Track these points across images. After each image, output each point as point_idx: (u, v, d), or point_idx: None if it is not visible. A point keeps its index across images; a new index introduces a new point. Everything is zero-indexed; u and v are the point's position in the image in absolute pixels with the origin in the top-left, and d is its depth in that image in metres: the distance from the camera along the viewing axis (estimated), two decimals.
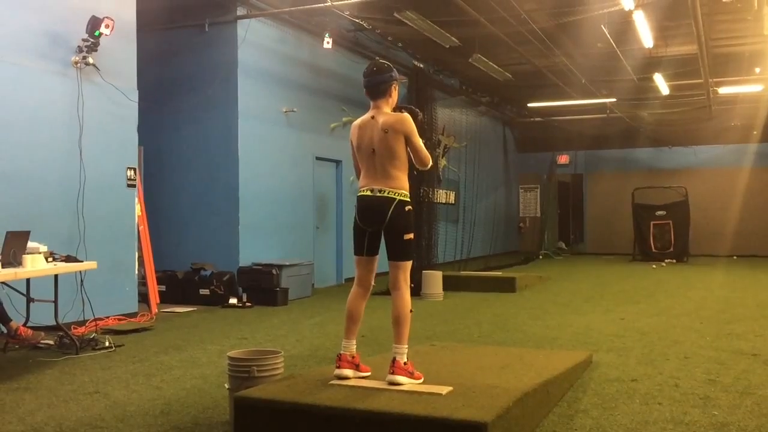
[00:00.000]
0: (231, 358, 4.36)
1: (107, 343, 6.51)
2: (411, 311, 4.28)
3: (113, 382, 5.26)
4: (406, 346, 4.20)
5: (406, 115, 4.28)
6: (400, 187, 4.22)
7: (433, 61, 14.67)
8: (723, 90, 15.27)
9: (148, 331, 7.54)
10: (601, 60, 13.67)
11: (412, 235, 4.25)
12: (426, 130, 13.01)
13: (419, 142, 4.27)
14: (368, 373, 4.30)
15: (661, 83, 14.59)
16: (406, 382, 4.08)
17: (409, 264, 4.30)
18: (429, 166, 4.37)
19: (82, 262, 6.75)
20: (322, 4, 9.83)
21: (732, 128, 18.90)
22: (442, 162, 16.83)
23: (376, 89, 4.32)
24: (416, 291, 10.52)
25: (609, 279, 13.51)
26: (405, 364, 4.15)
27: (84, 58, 7.62)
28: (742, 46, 13.23)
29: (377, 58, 4.57)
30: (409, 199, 4.27)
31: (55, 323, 6.35)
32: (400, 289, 4.25)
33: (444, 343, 6.42)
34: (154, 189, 10.09)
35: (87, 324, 7.25)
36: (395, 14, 10.14)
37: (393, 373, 4.10)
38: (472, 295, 10.69)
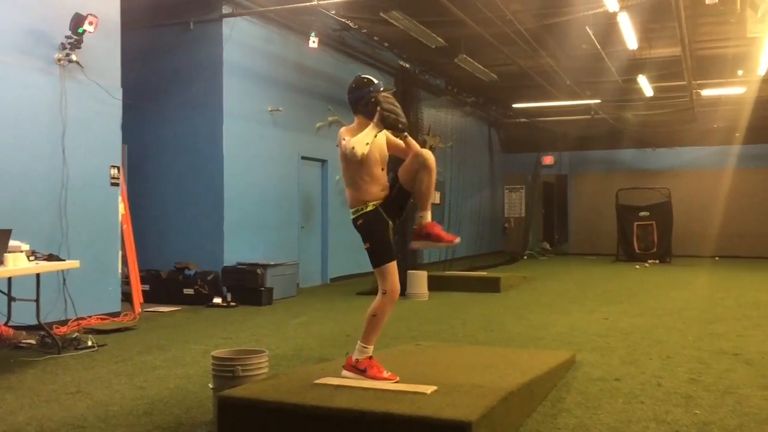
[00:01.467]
0: (215, 358, 4.34)
1: (90, 343, 6.46)
2: (374, 315, 4.29)
3: (95, 382, 5.22)
4: (365, 345, 4.29)
5: (341, 129, 4.31)
6: (353, 205, 4.34)
7: (419, 62, 14.68)
8: (706, 92, 15.41)
9: (131, 331, 7.49)
10: (585, 61, 13.75)
11: (367, 245, 4.28)
12: (412, 129, 13.03)
13: (345, 143, 4.17)
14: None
15: (645, 85, 14.69)
16: (350, 377, 4.22)
17: (381, 270, 4.26)
18: (355, 156, 4.11)
19: (64, 261, 6.70)
20: (308, 3, 9.81)
21: (714, 130, 19.08)
22: None
23: (354, 106, 4.37)
24: (402, 291, 10.52)
25: (593, 279, 13.59)
26: (357, 361, 4.26)
27: (67, 55, 7.56)
28: (725, 49, 13.35)
29: (359, 74, 4.41)
30: (360, 213, 4.30)
31: (36, 322, 6.30)
32: (378, 292, 4.30)
33: (429, 343, 6.43)
34: (137, 188, 10.02)
35: (69, 323, 7.21)
36: (381, 14, 10.13)
37: (343, 367, 4.33)
38: (457, 295, 10.71)
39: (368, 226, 4.29)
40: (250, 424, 3.84)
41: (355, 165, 4.20)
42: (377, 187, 4.30)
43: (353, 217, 4.33)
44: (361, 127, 4.26)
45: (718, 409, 4.42)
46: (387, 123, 4.18)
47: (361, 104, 4.31)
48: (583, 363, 5.76)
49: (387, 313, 4.33)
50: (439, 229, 4.37)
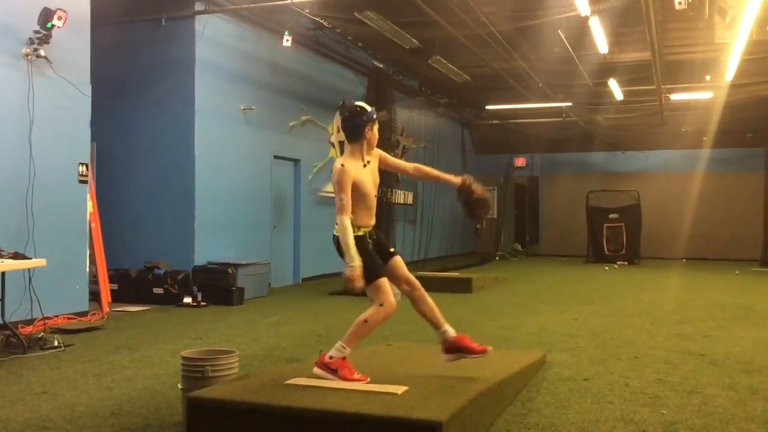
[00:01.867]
0: (184, 358, 4.29)
1: (56, 343, 6.36)
2: (365, 321, 4.31)
3: (62, 383, 5.14)
4: (344, 346, 4.28)
5: (336, 166, 4.26)
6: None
7: (393, 62, 14.70)
8: (675, 96, 15.64)
9: (98, 331, 7.39)
10: (558, 64, 13.87)
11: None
12: (386, 129, 13.05)
13: (336, 191, 4.22)
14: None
15: (616, 88, 14.87)
16: (320, 375, 4.20)
17: (373, 286, 4.32)
18: (339, 218, 4.21)
19: (30, 259, 6.58)
20: (281, 2, 9.76)
21: (683, 134, 19.38)
22: None
23: (349, 135, 4.37)
24: None
25: (563, 280, 13.72)
26: (330, 359, 4.25)
27: (35, 50, 7.43)
28: (694, 54, 13.57)
29: (351, 102, 4.43)
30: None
31: (1, 322, 6.19)
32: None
33: (400, 343, 6.44)
34: (107, 185, 9.89)
35: (35, 323, 7.07)
36: (356, 14, 10.12)
37: (315, 364, 4.31)
38: (430, 295, 10.69)
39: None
40: (219, 425, 3.81)
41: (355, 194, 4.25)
42: (368, 215, 4.40)
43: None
44: (354, 156, 4.31)
45: (684, 408, 4.49)
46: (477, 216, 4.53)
47: (355, 134, 4.31)
48: (553, 363, 5.81)
49: (378, 324, 4.36)
50: (468, 341, 4.50)
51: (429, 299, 4.64)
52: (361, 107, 4.37)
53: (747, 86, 14.56)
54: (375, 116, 4.33)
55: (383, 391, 3.94)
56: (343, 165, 4.22)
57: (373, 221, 4.42)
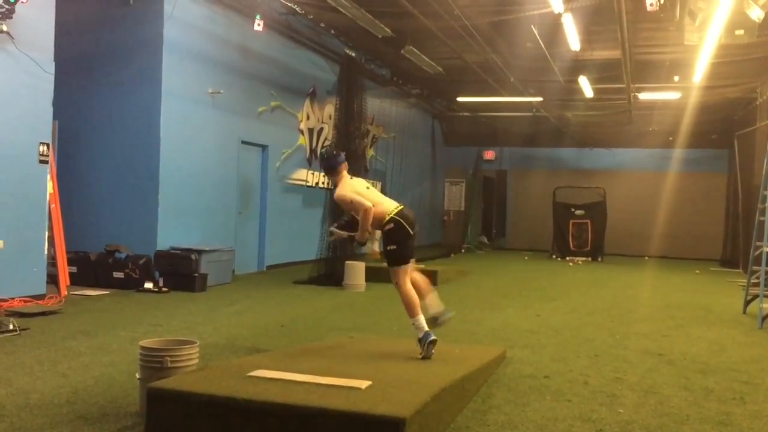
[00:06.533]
0: (143, 348, 4.21)
1: (11, 326, 6.20)
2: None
3: (16, 368, 5.02)
4: (417, 317, 5.16)
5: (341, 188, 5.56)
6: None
7: (365, 51, 14.61)
8: (643, 96, 15.83)
9: (56, 315, 7.23)
10: (530, 60, 13.92)
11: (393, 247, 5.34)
12: (355, 118, 12.99)
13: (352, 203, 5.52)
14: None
15: (586, 86, 14.99)
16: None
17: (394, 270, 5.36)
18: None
19: None
20: None
21: (650, 133, 19.66)
22: (370, 152, 16.83)
23: (329, 172, 5.69)
24: (338, 281, 10.49)
25: (527, 275, 13.83)
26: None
27: None
28: (663, 55, 13.73)
29: (325, 149, 5.27)
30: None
31: None
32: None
33: (362, 336, 6.42)
34: (68, 166, 9.68)
35: None
36: (329, 0, 10.01)
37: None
38: (394, 287, 10.69)
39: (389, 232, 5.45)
40: (179, 417, 3.75)
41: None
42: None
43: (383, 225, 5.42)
44: (344, 178, 5.58)
45: (641, 408, 4.55)
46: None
47: (335, 171, 5.59)
48: (514, 359, 5.85)
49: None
50: None
51: None
52: (336, 152, 5.84)
53: (714, 89, 14.80)
54: (341, 159, 5.63)
55: (347, 386, 3.92)
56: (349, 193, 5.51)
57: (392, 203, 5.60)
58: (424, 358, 5.00)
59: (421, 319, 5.17)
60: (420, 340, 5.10)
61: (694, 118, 16.92)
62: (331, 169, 5.66)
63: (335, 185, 5.64)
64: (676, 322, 8.27)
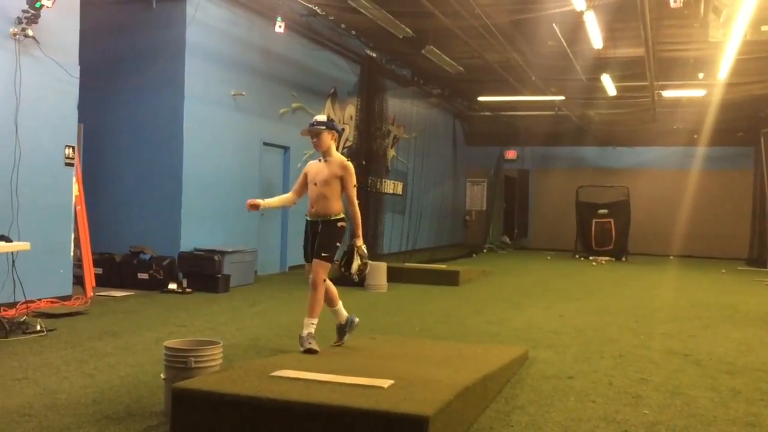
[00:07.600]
0: (167, 348, 4.25)
1: (38, 327, 6.28)
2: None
3: (43, 368, 5.09)
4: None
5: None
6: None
7: (386, 51, 14.61)
8: (667, 93, 15.65)
9: (82, 316, 7.32)
10: (551, 58, 13.83)
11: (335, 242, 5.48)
12: (376, 119, 13.00)
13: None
14: None
15: (609, 84, 14.85)
16: None
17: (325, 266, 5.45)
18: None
19: (13, 242, 6.50)
20: None
21: (674, 131, 19.43)
22: (391, 152, 16.84)
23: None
24: (361, 282, 10.46)
25: (550, 275, 13.74)
26: None
27: (23, 30, 7.31)
28: (687, 52, 13.56)
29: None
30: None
31: None
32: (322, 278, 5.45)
33: (385, 336, 6.43)
34: (93, 168, 9.79)
35: (18, 306, 7.00)
36: (349, 1, 10.03)
37: None
38: (416, 287, 10.71)
39: (342, 230, 5.51)
40: (204, 417, 3.78)
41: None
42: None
43: (337, 218, 5.45)
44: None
45: (666, 409, 4.49)
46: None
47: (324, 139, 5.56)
48: (537, 360, 5.81)
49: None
50: None
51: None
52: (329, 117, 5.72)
53: (739, 85, 14.57)
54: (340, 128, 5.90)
55: (369, 385, 3.92)
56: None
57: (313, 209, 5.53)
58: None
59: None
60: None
61: (719, 115, 16.70)
62: (332, 128, 5.58)
63: (325, 158, 5.54)
64: (702, 322, 8.17)
